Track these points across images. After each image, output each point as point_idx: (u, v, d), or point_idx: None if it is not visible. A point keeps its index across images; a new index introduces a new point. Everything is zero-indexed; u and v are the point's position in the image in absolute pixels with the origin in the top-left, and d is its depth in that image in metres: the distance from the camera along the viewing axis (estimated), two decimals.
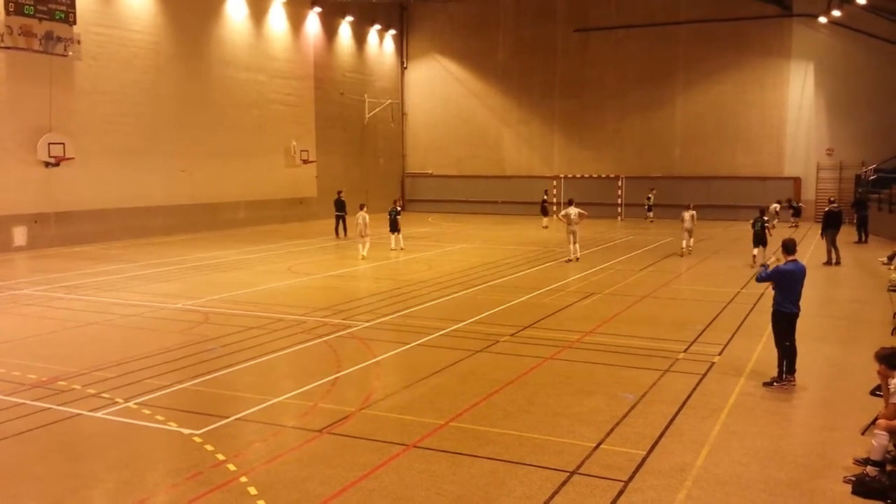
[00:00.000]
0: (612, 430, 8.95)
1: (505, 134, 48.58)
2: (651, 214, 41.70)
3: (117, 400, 10.06)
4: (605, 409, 9.72)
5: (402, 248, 27.10)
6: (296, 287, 19.77)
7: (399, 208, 28.78)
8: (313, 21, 42.37)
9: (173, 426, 9.09)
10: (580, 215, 24.31)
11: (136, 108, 31.27)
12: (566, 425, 9.10)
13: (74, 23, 27.76)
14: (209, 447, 8.41)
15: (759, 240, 22.68)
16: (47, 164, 27.39)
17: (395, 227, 27.30)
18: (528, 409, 9.70)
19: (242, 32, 37.16)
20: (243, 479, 7.59)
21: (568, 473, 7.69)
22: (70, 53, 27.76)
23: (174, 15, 33.05)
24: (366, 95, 46.83)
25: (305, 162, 40.78)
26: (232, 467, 7.87)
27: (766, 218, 23.45)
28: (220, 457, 8.14)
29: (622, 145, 45.41)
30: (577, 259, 24.26)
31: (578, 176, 46.13)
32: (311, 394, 10.43)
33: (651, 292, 18.68)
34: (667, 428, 9.01)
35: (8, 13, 25.67)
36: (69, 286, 19.44)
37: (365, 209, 25.89)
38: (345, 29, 45.26)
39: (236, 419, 9.37)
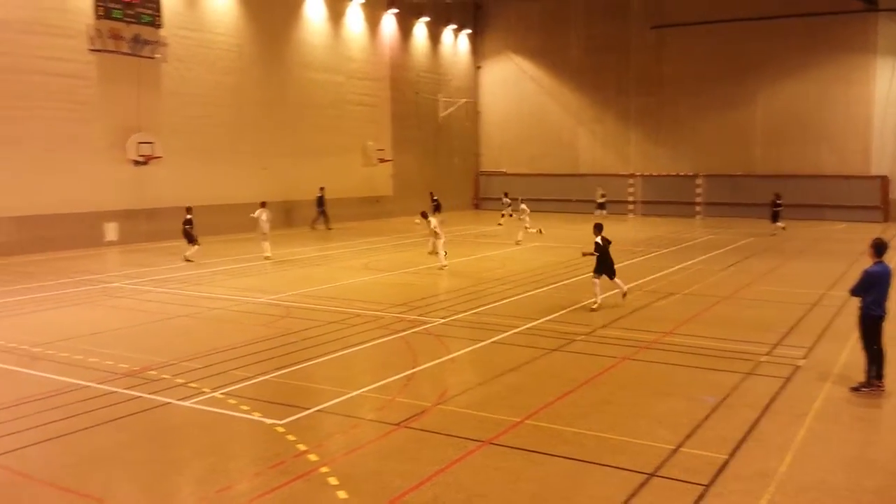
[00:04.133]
0: (691, 432, 8.81)
1: (579, 132, 48.12)
2: (780, 224, 33.69)
3: (204, 390, 10.44)
4: (684, 411, 9.57)
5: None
6: (372, 283, 20.08)
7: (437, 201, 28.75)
8: (389, 22, 42.88)
9: (257, 416, 9.39)
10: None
11: (220, 109, 32.25)
12: (644, 426, 9.01)
13: (160, 26, 28.86)
14: (291, 437, 8.65)
15: None
16: (137, 163, 28.53)
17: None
18: (605, 409, 9.64)
19: (321, 34, 37.90)
20: (324, 469, 7.78)
21: (646, 475, 7.61)
22: (157, 56, 28.87)
23: (256, 18, 33.96)
24: (440, 95, 47.10)
25: (382, 161, 41.29)
26: (313, 457, 8.08)
27: None
28: (302, 447, 8.37)
29: (700, 143, 44.39)
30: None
31: (655, 174, 45.37)
32: (389, 388, 10.60)
33: (732, 293, 18.25)
34: (749, 432, 8.82)
35: (98, 17, 26.87)
36: (157, 280, 20.23)
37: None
38: (420, 29, 45.63)
39: (317, 411, 9.61)
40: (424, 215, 24.19)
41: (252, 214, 24.82)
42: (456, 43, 49.19)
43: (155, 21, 28.71)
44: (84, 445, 8.55)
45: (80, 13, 26.62)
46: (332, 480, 7.50)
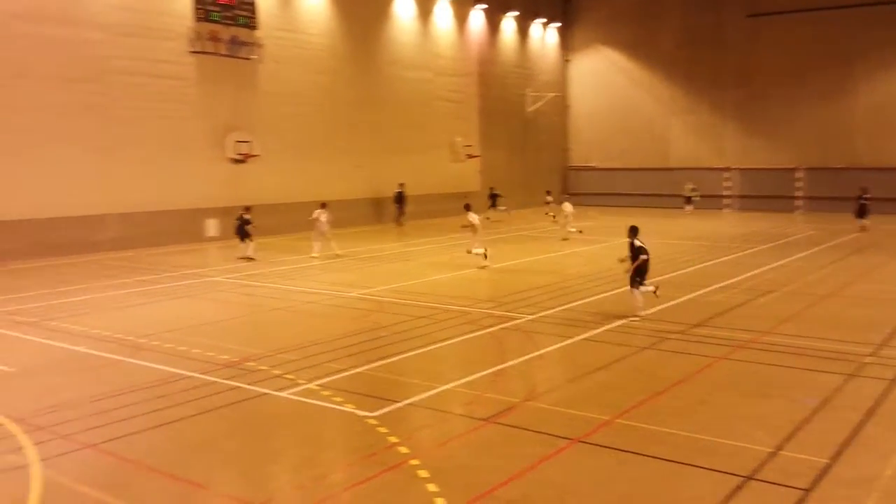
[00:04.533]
0: (791, 435, 8.52)
1: (672, 124, 46.99)
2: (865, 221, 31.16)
3: (299, 381, 10.75)
4: (783, 413, 9.26)
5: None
6: (460, 279, 20.19)
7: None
8: (477, 17, 42.95)
9: (350, 408, 9.61)
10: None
11: (314, 108, 33.05)
12: (740, 428, 8.75)
13: (256, 28, 29.80)
14: (382, 429, 8.82)
15: None
16: (235, 161, 29.59)
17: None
18: (699, 410, 9.43)
19: (409, 32, 38.32)
20: (414, 461, 7.91)
21: (742, 478, 7.41)
22: (253, 57, 29.82)
23: (347, 17, 34.62)
24: (528, 89, 46.88)
25: (469, 157, 41.45)
26: (404, 450, 8.22)
27: None
28: (393, 439, 8.52)
29: (799, 135, 42.61)
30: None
31: (752, 168, 43.88)
32: (477, 383, 10.66)
33: (833, 291, 17.50)
34: (852, 436, 8.46)
35: (197, 20, 27.99)
36: (255, 274, 20.92)
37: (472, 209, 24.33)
38: (508, 23, 45.53)
39: (407, 404, 9.76)
40: (468, 207, 22.74)
41: (312, 216, 24.36)
42: (545, 37, 48.85)
43: (251, 23, 29.67)
44: (186, 433, 8.95)
45: (181, 16, 27.77)
46: (423, 473, 7.61)
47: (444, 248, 26.94)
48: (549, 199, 40.34)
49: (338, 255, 24.14)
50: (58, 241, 24.38)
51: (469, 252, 21.84)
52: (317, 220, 24.29)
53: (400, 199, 35.89)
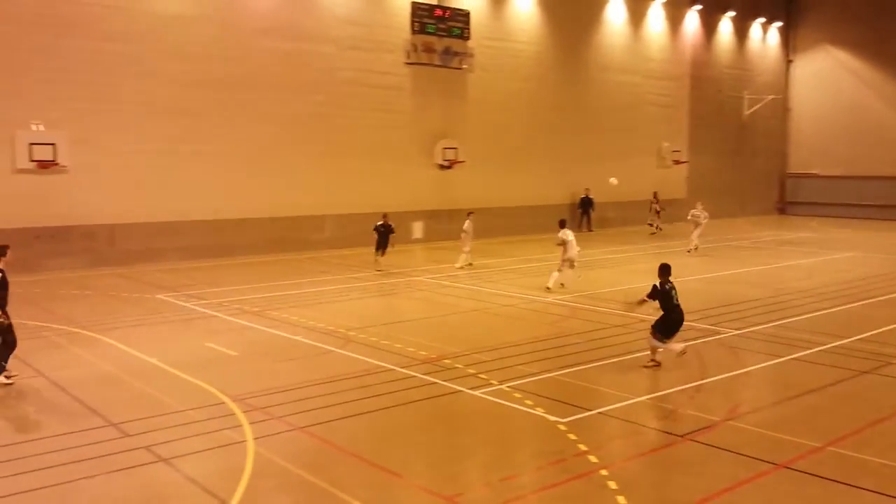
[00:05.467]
0: None
1: None
2: None
3: (492, 381, 10.96)
4: None
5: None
6: None
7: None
8: (692, 19, 41.42)
9: (540, 412, 9.65)
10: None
11: (518, 115, 33.45)
12: None
13: (468, 38, 30.69)
14: (572, 436, 8.77)
15: None
16: (441, 167, 30.69)
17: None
18: None
19: (620, 35, 37.70)
20: (603, 472, 7.79)
21: None
22: (464, 66, 30.75)
23: (557, 24, 34.70)
24: (745, 92, 44.46)
25: (676, 163, 40.05)
26: (593, 459, 8.12)
27: None
28: (583, 447, 8.44)
29: None
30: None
31: None
32: (674, 398, 10.30)
33: None
34: None
35: (413, 32, 29.31)
36: (455, 276, 21.56)
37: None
38: (725, 24, 43.51)
39: (598, 413, 9.63)
40: (562, 224, 19.50)
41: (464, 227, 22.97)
42: (765, 37, 46.14)
43: (464, 34, 30.61)
44: (385, 423, 9.42)
45: (400, 29, 29.24)
46: (612, 484, 7.48)
47: (648, 255, 26.19)
48: (657, 206, 35.16)
49: (470, 265, 22.81)
50: (281, 239, 26.55)
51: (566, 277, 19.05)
52: (464, 229, 22.88)
53: (586, 204, 35.23)
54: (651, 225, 34.65)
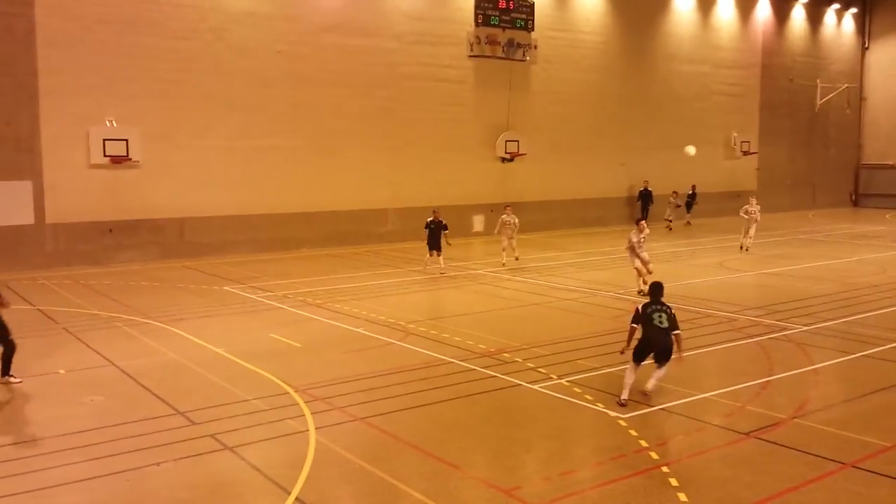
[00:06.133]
0: None
1: None
2: None
3: (552, 376, 10.92)
4: None
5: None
6: (726, 283, 19.14)
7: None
8: (763, 6, 40.26)
9: (600, 407, 9.57)
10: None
11: (582, 107, 33.09)
12: None
13: (532, 29, 30.47)
14: (633, 432, 8.68)
15: None
16: (503, 160, 30.59)
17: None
18: None
19: (688, 24, 36.89)
20: (665, 469, 7.70)
21: None
22: (527, 58, 30.54)
23: (623, 13, 34.16)
24: (818, 80, 43.03)
25: (746, 153, 39.08)
26: (654, 455, 8.03)
27: None
28: (643, 443, 8.35)
29: None
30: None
31: None
32: (739, 394, 10.09)
33: None
34: None
35: (477, 24, 29.25)
36: (514, 269, 21.47)
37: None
38: (798, 11, 42.17)
39: (661, 409, 9.51)
40: (639, 222, 18.19)
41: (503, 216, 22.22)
42: (840, 24, 44.55)
43: (528, 25, 30.37)
44: (444, 415, 9.48)
45: (463, 22, 29.22)
46: (673, 481, 7.39)
47: (713, 249, 25.66)
48: (675, 201, 33.75)
49: (517, 259, 22.05)
50: (345, 232, 26.91)
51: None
52: (505, 223, 22.02)
53: (645, 197, 34.13)
54: (668, 220, 33.16)
